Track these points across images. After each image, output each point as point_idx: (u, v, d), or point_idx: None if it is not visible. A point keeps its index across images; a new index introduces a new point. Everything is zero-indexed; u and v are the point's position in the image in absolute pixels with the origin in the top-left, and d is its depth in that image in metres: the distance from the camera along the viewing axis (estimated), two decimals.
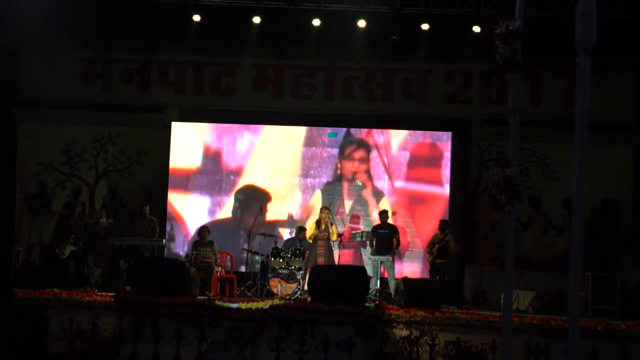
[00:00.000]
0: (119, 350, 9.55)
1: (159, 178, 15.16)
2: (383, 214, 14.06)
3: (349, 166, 15.27)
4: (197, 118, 15.38)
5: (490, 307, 12.37)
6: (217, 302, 9.97)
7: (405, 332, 10.08)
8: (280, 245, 13.69)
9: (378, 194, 15.13)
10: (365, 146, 15.33)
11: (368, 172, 15.25)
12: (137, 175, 15.28)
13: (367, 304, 10.07)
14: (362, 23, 14.07)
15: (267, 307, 9.64)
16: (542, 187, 14.74)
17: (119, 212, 14.38)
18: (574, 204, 5.57)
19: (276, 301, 10.17)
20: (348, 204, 15.08)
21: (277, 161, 15.21)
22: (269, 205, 15.08)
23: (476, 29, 13.99)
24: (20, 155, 15.20)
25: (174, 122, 15.20)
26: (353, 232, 14.62)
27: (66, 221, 13.50)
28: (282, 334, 9.41)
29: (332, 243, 13.56)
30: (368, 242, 14.19)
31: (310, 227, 13.78)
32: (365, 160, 15.26)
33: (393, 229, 13.96)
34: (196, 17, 14.19)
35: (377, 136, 15.29)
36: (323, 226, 13.54)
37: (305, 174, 15.23)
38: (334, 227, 13.52)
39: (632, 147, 15.06)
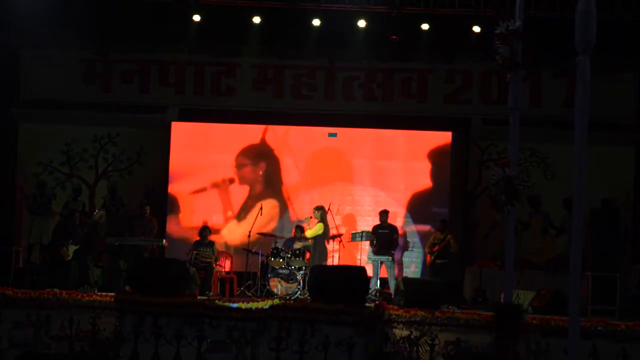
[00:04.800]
0: (119, 350, 9.54)
1: (159, 178, 15.16)
2: (383, 213, 14.04)
3: (250, 171, 15.19)
4: (197, 118, 15.38)
5: (491, 307, 12.34)
6: (217, 302, 9.94)
7: (405, 332, 10.07)
8: (280, 245, 13.69)
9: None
10: (268, 152, 15.22)
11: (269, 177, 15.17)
12: (137, 175, 15.28)
13: (367, 304, 10.06)
14: (362, 23, 14.07)
15: (267, 307, 9.62)
16: (542, 187, 14.75)
17: (119, 212, 14.39)
18: (574, 204, 5.57)
19: (276, 301, 10.15)
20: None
21: (189, 164, 15.12)
22: (180, 215, 15.02)
23: (476, 29, 13.99)
24: (20, 155, 15.21)
25: (174, 122, 15.22)
26: (353, 232, 14.60)
27: (66, 221, 13.51)
28: (282, 334, 9.39)
29: (326, 242, 13.55)
30: (369, 242, 14.18)
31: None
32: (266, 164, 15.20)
33: (393, 229, 13.96)
34: (196, 17, 14.20)
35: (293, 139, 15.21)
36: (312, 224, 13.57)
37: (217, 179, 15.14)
38: (318, 225, 13.45)
39: (632, 147, 15.06)
